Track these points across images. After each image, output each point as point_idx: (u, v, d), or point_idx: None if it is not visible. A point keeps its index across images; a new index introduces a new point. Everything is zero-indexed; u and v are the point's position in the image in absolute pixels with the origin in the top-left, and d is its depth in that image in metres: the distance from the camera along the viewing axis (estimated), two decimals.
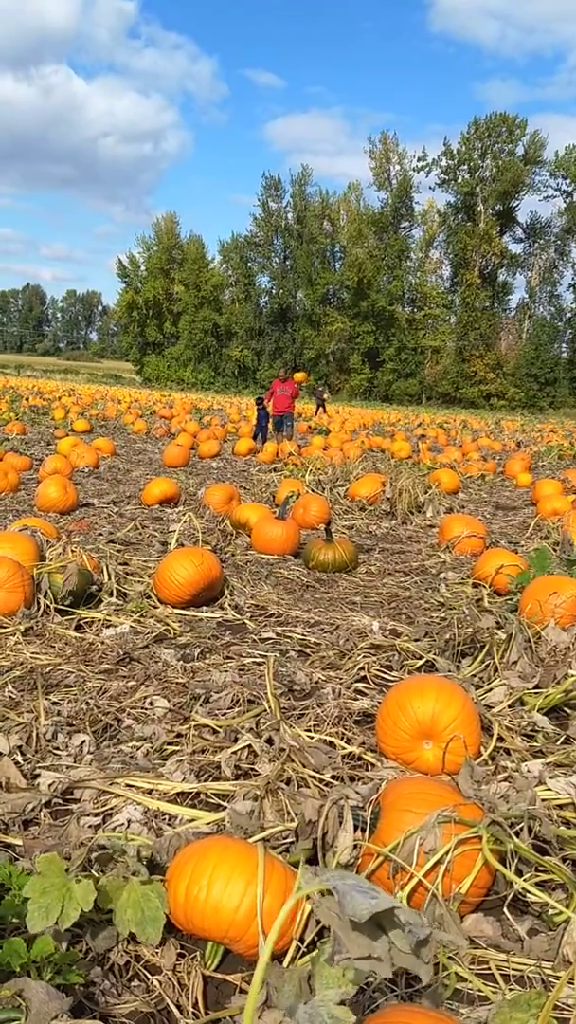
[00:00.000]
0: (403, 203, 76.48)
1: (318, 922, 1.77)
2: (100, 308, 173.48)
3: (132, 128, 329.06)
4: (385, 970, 1.11)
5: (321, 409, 30.56)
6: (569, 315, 73.81)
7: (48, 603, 4.15)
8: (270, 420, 16.58)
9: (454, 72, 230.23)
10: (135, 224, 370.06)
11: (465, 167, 73.78)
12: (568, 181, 71.71)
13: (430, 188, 79.99)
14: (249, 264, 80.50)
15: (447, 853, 1.78)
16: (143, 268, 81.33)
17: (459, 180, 74.07)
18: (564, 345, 73.78)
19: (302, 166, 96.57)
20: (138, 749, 2.72)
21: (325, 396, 32.84)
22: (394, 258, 74.72)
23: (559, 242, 75.14)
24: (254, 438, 16.58)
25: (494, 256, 73.71)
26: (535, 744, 2.70)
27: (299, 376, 16.28)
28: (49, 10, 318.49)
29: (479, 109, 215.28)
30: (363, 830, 1.97)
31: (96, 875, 1.83)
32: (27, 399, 26.35)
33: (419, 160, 75.10)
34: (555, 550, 6.05)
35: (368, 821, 1.97)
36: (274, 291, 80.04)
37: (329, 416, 30.28)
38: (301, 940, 1.73)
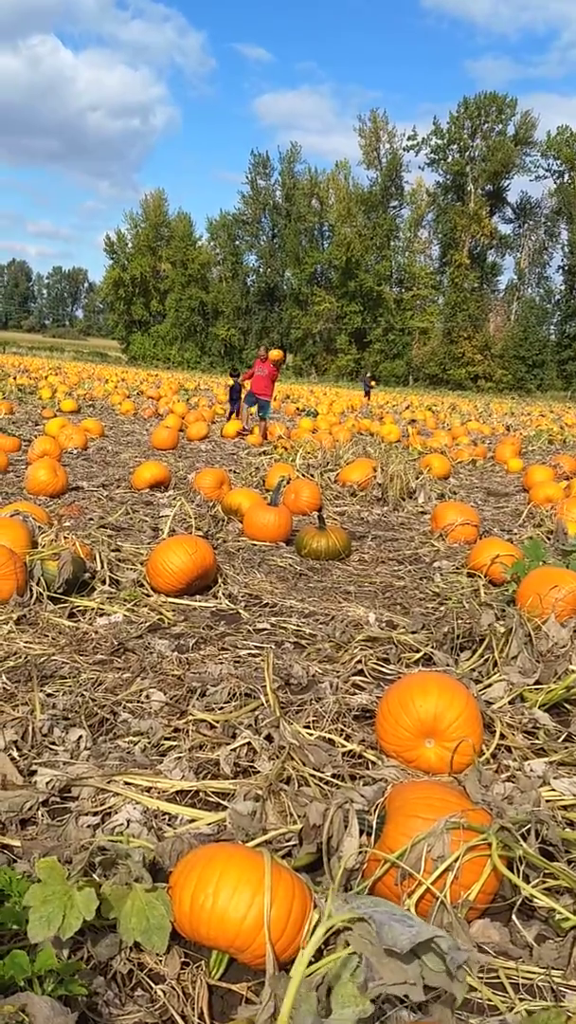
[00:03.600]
0: (392, 182, 75.80)
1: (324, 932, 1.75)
2: (86, 285, 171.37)
3: (120, 102, 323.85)
4: (417, 993, 1.08)
5: (367, 396, 32.43)
6: (558, 297, 73.73)
7: (41, 591, 4.09)
8: (244, 397, 15.79)
9: (446, 49, 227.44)
10: (122, 200, 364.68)
11: (455, 147, 73.20)
12: (559, 162, 71.35)
13: (419, 168, 79.25)
14: (237, 242, 79.74)
15: (456, 860, 1.76)
16: (130, 245, 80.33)
17: (449, 160, 73.49)
18: (552, 327, 73.77)
19: (291, 143, 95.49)
20: (135, 744, 2.69)
21: (372, 384, 36.23)
22: (383, 238, 74.17)
23: (549, 223, 74.92)
24: (229, 416, 16.52)
25: (483, 237, 73.35)
26: (536, 742, 2.68)
27: (275, 354, 15.12)
28: None
29: (471, 87, 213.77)
30: (369, 835, 1.94)
31: (98, 879, 1.79)
32: (14, 378, 26.03)
33: (409, 139, 74.49)
34: (548, 538, 6.05)
35: (374, 826, 1.94)
36: (261, 270, 79.39)
37: (368, 401, 31.19)
38: (304, 948, 1.71)
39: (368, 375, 38.53)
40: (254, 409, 15.39)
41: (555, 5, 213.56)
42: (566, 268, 71.79)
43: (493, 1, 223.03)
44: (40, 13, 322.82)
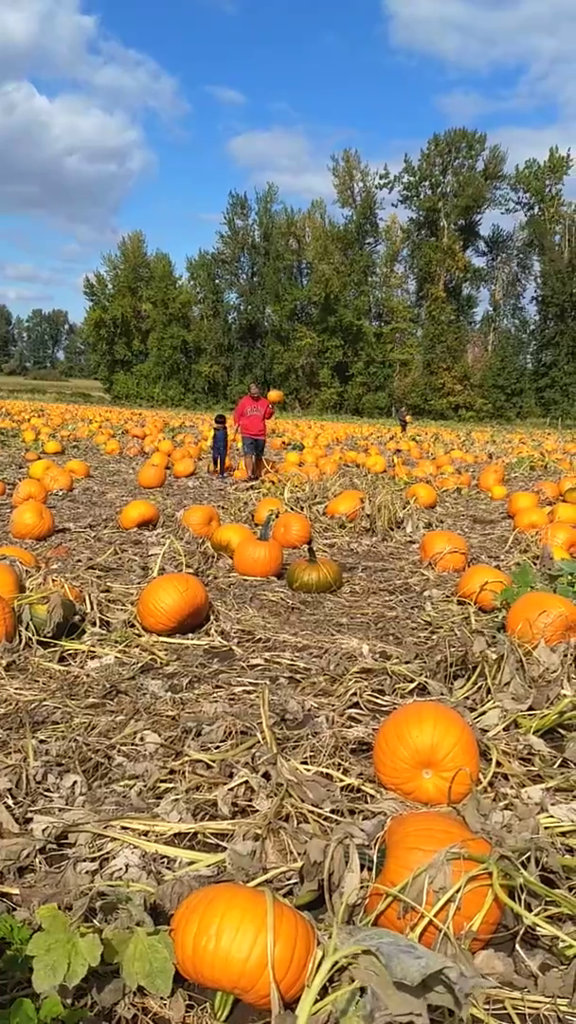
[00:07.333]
0: (367, 219, 77.36)
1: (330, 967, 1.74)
2: (67, 327, 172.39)
3: (96, 146, 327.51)
4: (424, 1021, 1.09)
5: (403, 430, 33.65)
6: (533, 327, 75.11)
7: (30, 635, 4.07)
8: (239, 442, 14.38)
9: (417, 86, 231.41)
10: (101, 243, 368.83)
11: (427, 183, 74.94)
12: (528, 195, 73.09)
13: (393, 205, 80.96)
14: (217, 281, 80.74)
15: (458, 891, 1.76)
16: (110, 287, 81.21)
17: (421, 196, 75.19)
18: (529, 356, 75.00)
19: (267, 184, 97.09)
20: (131, 788, 2.67)
21: (407, 418, 37.61)
22: (360, 274, 75.43)
23: (521, 255, 76.53)
24: (213, 461, 14.71)
25: (458, 271, 74.79)
26: (532, 768, 2.69)
27: (274, 395, 14.24)
28: (8, 24, 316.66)
29: (442, 122, 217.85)
30: (370, 869, 1.94)
31: (99, 925, 1.78)
32: None
33: (381, 178, 76.20)
34: (535, 564, 6.09)
35: (375, 860, 1.94)
36: (242, 307, 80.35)
37: (407, 435, 31.96)
38: (310, 986, 1.69)
39: (403, 409, 40.24)
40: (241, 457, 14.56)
41: (524, 39, 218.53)
42: (539, 298, 73.20)
43: (463, 37, 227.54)
44: (13, 60, 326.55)
